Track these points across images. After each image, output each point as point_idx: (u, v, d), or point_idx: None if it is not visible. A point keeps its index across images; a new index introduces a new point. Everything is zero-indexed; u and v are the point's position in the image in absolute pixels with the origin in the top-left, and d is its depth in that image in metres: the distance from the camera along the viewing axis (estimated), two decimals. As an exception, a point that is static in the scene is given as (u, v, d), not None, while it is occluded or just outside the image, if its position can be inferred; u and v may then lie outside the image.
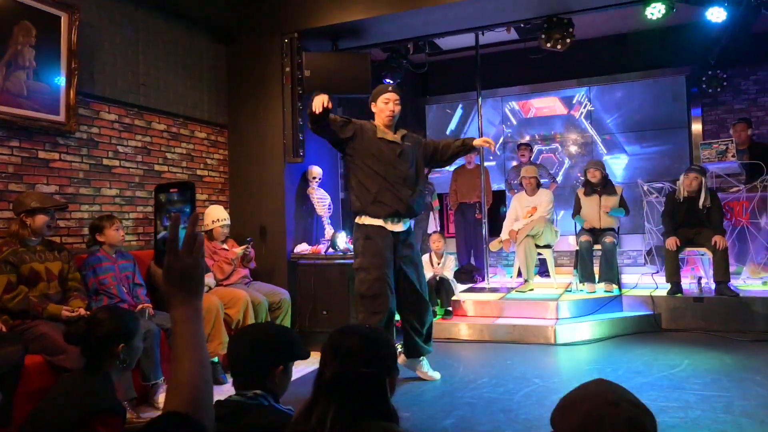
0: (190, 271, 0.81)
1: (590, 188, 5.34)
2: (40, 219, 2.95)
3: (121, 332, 1.83)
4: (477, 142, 3.51)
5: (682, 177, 4.96)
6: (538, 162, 7.17)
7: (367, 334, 1.31)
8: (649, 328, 4.68)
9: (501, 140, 8.23)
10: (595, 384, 0.99)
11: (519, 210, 5.69)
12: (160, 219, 0.86)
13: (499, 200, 6.93)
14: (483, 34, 5.07)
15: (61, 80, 3.43)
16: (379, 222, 3.21)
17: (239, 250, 4.08)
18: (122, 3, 3.92)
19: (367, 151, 3.23)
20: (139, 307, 3.24)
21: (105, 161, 3.78)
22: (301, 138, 4.70)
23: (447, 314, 4.88)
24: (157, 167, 4.20)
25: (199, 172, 4.62)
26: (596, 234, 5.25)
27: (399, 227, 3.27)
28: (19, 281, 2.85)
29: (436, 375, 3.52)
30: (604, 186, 5.29)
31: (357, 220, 3.28)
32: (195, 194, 0.84)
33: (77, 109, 3.51)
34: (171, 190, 0.86)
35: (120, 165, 3.89)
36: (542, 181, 6.01)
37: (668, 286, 4.89)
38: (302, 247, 4.70)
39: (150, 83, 4.12)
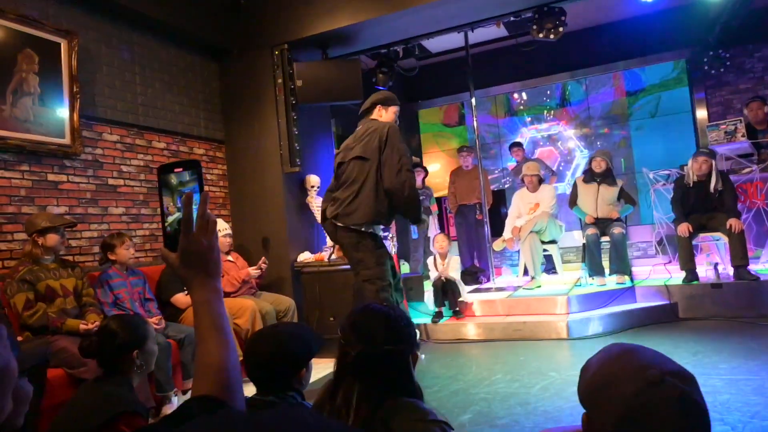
0: (206, 252, 0.81)
1: (590, 177, 5.41)
2: (52, 238, 3.23)
3: (133, 339, 1.96)
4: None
5: (690, 161, 4.97)
6: (534, 157, 7.38)
7: (387, 312, 1.35)
8: (665, 318, 4.71)
9: (498, 139, 8.54)
10: (626, 357, 0.92)
11: (521, 207, 5.79)
12: (173, 201, 0.85)
13: (499, 200, 7.11)
14: (472, 30, 5.29)
15: (65, 104, 3.78)
16: (379, 231, 3.40)
17: (254, 271, 4.34)
18: (117, 27, 4.29)
19: None
20: (151, 320, 3.53)
21: (110, 181, 4.12)
22: (297, 147, 5.03)
23: (456, 314, 5.03)
24: (159, 184, 4.53)
25: (199, 188, 4.95)
26: (602, 225, 5.30)
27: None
28: (37, 298, 3.11)
29: None
30: (605, 177, 5.36)
31: (367, 229, 3.33)
32: (202, 172, 0.85)
33: (81, 132, 3.86)
34: (176, 170, 0.85)
35: (125, 184, 4.24)
36: (543, 175, 6.11)
37: (683, 274, 4.93)
38: (305, 256, 5.00)
39: (148, 103, 4.48)
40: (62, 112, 3.77)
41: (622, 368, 0.90)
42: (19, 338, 3.05)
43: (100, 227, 4.00)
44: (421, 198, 6.44)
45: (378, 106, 3.51)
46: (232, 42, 5.21)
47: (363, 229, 3.33)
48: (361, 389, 1.20)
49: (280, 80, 5.04)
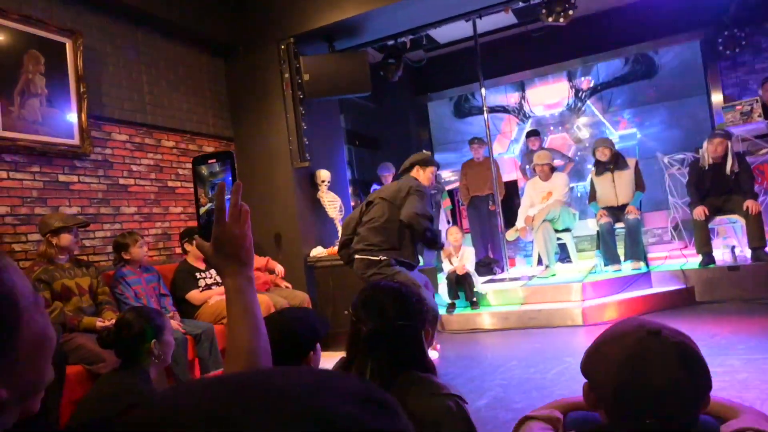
0: (238, 241, 0.82)
1: (602, 167, 5.34)
2: (65, 238, 3.24)
3: (150, 329, 1.97)
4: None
5: (705, 143, 4.89)
6: (547, 147, 7.27)
7: (397, 288, 1.35)
8: (682, 302, 4.68)
9: (513, 131, 8.45)
10: (625, 321, 0.94)
11: (534, 196, 5.71)
12: (205, 192, 0.86)
13: (512, 191, 7.02)
14: (480, 18, 5.21)
15: (72, 105, 3.77)
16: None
17: (281, 281, 4.51)
18: (122, 25, 4.27)
19: None
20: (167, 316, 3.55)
21: (121, 180, 4.12)
22: (306, 142, 4.99)
23: (473, 305, 5.02)
24: (170, 183, 4.53)
25: (210, 186, 4.94)
26: (616, 212, 5.21)
27: None
28: (53, 297, 3.13)
29: None
30: (616, 162, 5.28)
31: (394, 257, 3.47)
32: (235, 162, 0.86)
33: (90, 132, 3.85)
34: (210, 161, 0.86)
35: (135, 183, 4.23)
36: (557, 164, 6.06)
37: (699, 258, 4.87)
38: (318, 250, 4.97)
39: (155, 102, 4.47)
40: (70, 112, 3.76)
41: (622, 326, 0.93)
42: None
43: (112, 227, 4.00)
44: (432, 192, 6.45)
45: (416, 167, 3.63)
46: (237, 38, 5.18)
47: (380, 257, 3.47)
48: (374, 365, 1.20)
49: (287, 75, 5.00)
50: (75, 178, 3.79)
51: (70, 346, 3.02)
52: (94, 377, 2.94)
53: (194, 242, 0.99)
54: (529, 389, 2.97)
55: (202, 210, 0.86)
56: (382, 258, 3.44)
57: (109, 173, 4.03)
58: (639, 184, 5.28)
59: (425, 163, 3.67)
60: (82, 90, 3.81)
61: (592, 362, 0.94)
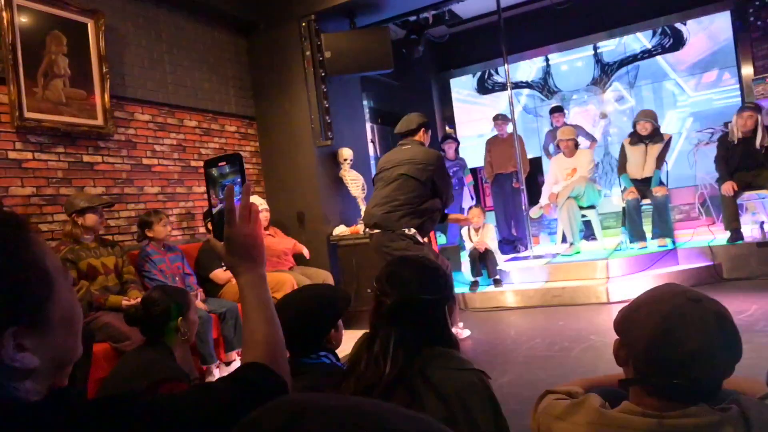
0: (249, 240, 0.83)
1: (637, 138, 5.09)
2: (91, 218, 3.19)
3: (176, 307, 1.94)
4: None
5: (734, 117, 4.70)
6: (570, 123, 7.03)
7: (421, 262, 1.33)
8: (709, 279, 4.53)
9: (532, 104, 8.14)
10: (665, 286, 0.96)
11: (558, 173, 5.53)
12: (216, 193, 0.88)
13: (536, 168, 6.80)
14: None
15: (95, 85, 3.66)
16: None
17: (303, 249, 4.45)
18: (143, 5, 4.12)
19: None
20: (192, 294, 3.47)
21: (144, 161, 4.01)
22: (328, 121, 4.82)
23: (496, 283, 4.90)
24: (193, 163, 4.42)
25: (233, 166, 4.82)
26: (640, 187, 5.01)
27: None
28: (79, 277, 3.08)
29: None
30: (653, 136, 5.04)
31: (414, 234, 3.33)
32: (244, 165, 0.87)
33: (113, 112, 3.74)
34: (220, 164, 0.88)
35: (159, 163, 4.12)
36: (580, 141, 5.85)
37: (727, 235, 4.70)
38: (341, 229, 4.84)
39: (177, 82, 4.33)
40: (93, 92, 3.65)
41: (663, 290, 0.94)
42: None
43: (137, 207, 3.91)
44: (454, 170, 6.25)
45: (422, 129, 3.50)
46: (258, 16, 5.00)
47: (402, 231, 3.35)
48: (398, 337, 1.18)
49: (308, 52, 4.80)
50: (99, 159, 3.70)
51: (96, 325, 2.98)
52: (119, 355, 2.90)
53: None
54: (552, 367, 2.90)
55: (214, 210, 0.87)
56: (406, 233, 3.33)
57: (132, 153, 3.93)
58: (660, 161, 5.04)
59: (429, 126, 3.58)
60: (104, 70, 3.69)
61: (627, 320, 0.94)
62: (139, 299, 3.12)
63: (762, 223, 4.75)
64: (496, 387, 2.57)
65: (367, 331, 1.28)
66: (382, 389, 1.13)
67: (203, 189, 4.52)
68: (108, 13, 3.78)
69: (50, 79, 3.44)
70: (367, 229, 3.55)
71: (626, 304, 0.98)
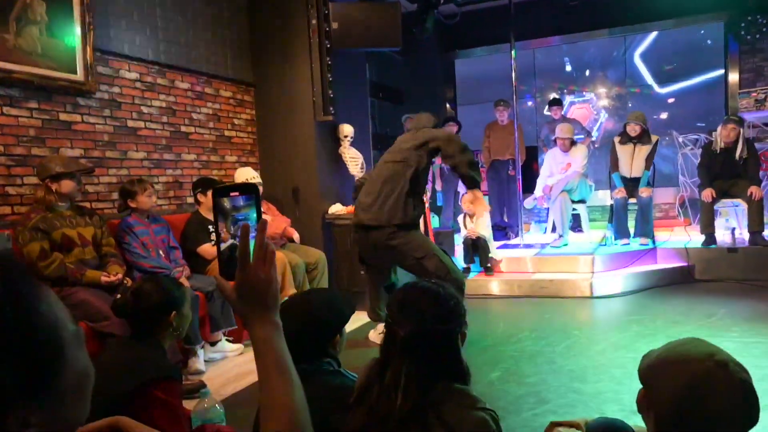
0: (264, 286, 0.71)
1: (627, 138, 5.01)
2: (67, 184, 2.68)
3: (170, 301, 1.71)
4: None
5: (719, 128, 4.69)
6: (569, 117, 6.72)
7: (435, 290, 1.20)
8: (682, 279, 4.55)
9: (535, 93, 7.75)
10: (692, 343, 0.92)
11: (553, 166, 5.38)
12: (227, 226, 0.75)
13: (533, 157, 6.48)
14: None
15: (76, 36, 3.03)
16: None
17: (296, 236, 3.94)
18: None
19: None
20: (175, 270, 3.00)
21: (129, 123, 3.42)
22: (331, 95, 4.26)
23: (488, 271, 4.74)
24: (183, 128, 3.84)
25: (227, 133, 4.25)
26: (630, 186, 4.97)
27: None
28: (53, 248, 2.60)
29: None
30: (641, 137, 4.97)
31: (407, 222, 3.11)
32: (260, 197, 0.73)
33: (96, 68, 3.13)
34: (232, 194, 0.74)
35: (145, 126, 3.53)
36: (577, 137, 5.60)
37: (701, 237, 4.73)
38: (336, 208, 4.37)
39: (170, 39, 3.70)
40: (73, 44, 3.03)
41: (692, 349, 0.91)
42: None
43: (119, 172, 3.34)
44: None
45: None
46: (262, -26, 4.33)
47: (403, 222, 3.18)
48: (410, 370, 1.10)
49: (314, 21, 4.19)
50: (78, 118, 3.11)
51: (71, 301, 2.53)
52: (97, 336, 2.48)
53: (216, 277, 0.77)
54: (540, 363, 2.87)
55: (224, 246, 0.74)
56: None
57: (116, 114, 3.33)
58: (648, 162, 5.01)
59: (438, 127, 3.41)
60: (87, 20, 3.06)
61: (654, 375, 0.92)
62: (119, 275, 2.71)
63: (733, 229, 4.81)
64: (487, 384, 2.64)
65: (377, 357, 1.19)
66: (395, 423, 1.07)
67: (193, 157, 3.95)
68: (94, -47, 3.11)
69: (24, 24, 2.81)
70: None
71: (651, 353, 0.96)
